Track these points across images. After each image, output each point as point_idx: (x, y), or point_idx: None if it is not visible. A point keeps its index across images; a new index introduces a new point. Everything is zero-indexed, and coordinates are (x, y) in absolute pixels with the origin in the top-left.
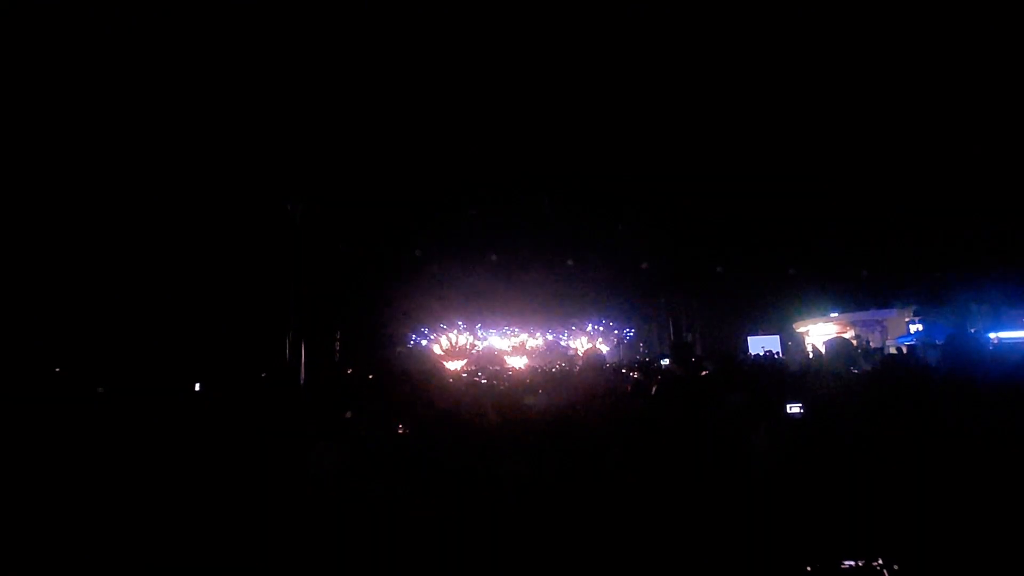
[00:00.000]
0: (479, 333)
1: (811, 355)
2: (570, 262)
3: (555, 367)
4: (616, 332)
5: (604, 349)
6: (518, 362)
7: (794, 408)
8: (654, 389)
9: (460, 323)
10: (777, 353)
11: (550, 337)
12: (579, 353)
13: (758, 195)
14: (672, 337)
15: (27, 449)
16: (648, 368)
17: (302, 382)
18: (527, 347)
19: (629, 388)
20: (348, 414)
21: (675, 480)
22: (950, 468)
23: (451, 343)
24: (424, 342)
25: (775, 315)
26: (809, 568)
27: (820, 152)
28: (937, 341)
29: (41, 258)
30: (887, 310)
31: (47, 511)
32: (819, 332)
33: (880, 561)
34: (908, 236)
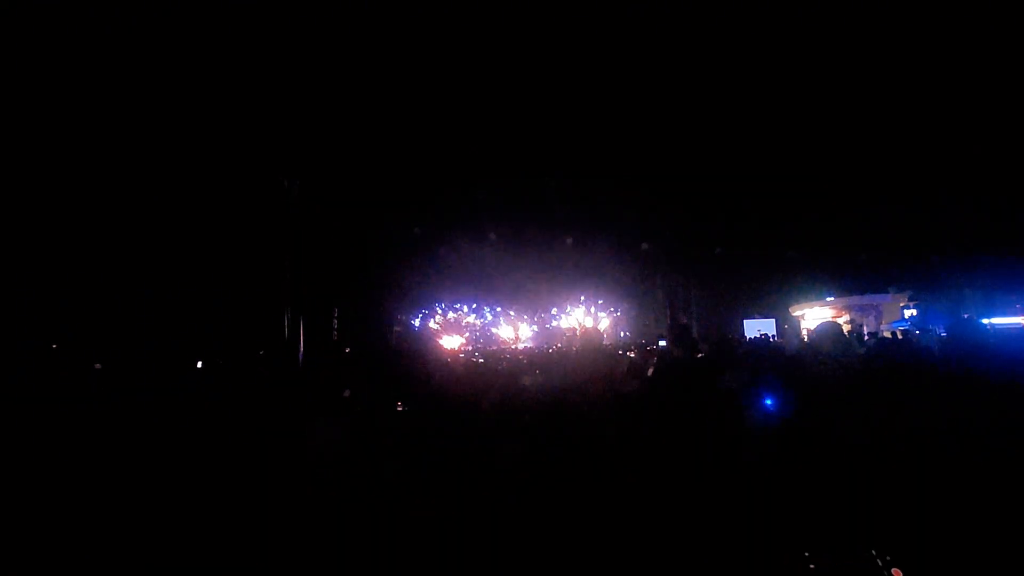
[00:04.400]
0: (477, 313)
1: (806, 339)
2: (569, 242)
3: (552, 348)
4: (613, 313)
5: (602, 328)
6: (515, 342)
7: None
8: (650, 371)
9: (458, 304)
10: (773, 336)
11: (548, 317)
12: (576, 334)
13: (757, 179)
14: (669, 319)
15: (25, 423)
16: (644, 349)
17: (300, 360)
18: (525, 328)
19: (625, 369)
20: (347, 392)
21: (671, 461)
22: (949, 455)
23: (449, 323)
24: (421, 321)
25: (771, 298)
26: (807, 554)
27: (819, 137)
28: (930, 326)
29: (36, 234)
30: (882, 295)
31: (48, 486)
32: (815, 316)
33: (874, 552)
34: (904, 222)
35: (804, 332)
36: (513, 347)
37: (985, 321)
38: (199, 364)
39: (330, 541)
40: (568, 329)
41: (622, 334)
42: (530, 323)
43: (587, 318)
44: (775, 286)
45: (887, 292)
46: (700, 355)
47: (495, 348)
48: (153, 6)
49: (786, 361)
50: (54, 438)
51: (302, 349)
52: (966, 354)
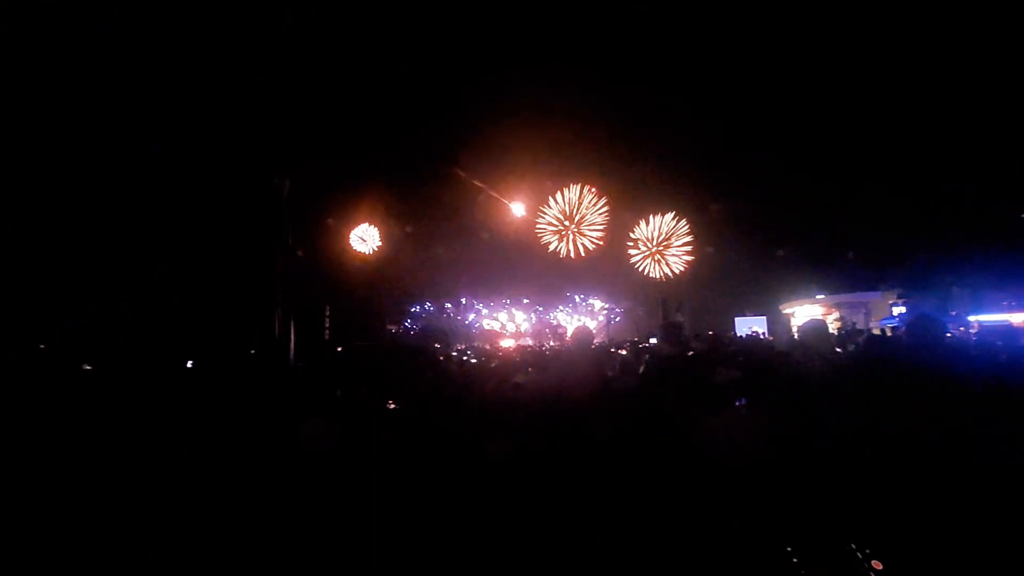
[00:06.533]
0: (470, 310)
1: (796, 336)
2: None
3: (545, 346)
4: (605, 311)
5: (593, 326)
6: (508, 340)
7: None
8: (642, 368)
9: (451, 302)
10: (763, 334)
11: (540, 315)
12: (568, 332)
13: (748, 177)
14: (661, 316)
15: (13, 424)
16: (636, 347)
17: (291, 359)
18: (518, 326)
19: (618, 366)
20: (339, 391)
21: (663, 458)
22: (929, 452)
23: (442, 322)
24: (414, 321)
25: (762, 297)
26: (790, 549)
27: (809, 137)
28: None
29: (22, 233)
30: (872, 293)
31: (38, 491)
32: (805, 314)
33: (855, 546)
34: (893, 220)
35: (795, 329)
36: (506, 345)
37: (972, 319)
38: (189, 364)
39: (322, 540)
40: (561, 327)
41: (610, 329)
42: (523, 322)
43: (579, 316)
44: (766, 285)
45: (876, 290)
46: (691, 352)
47: (488, 347)
48: (145, 8)
49: (775, 358)
50: (43, 439)
51: (293, 348)
52: (922, 349)
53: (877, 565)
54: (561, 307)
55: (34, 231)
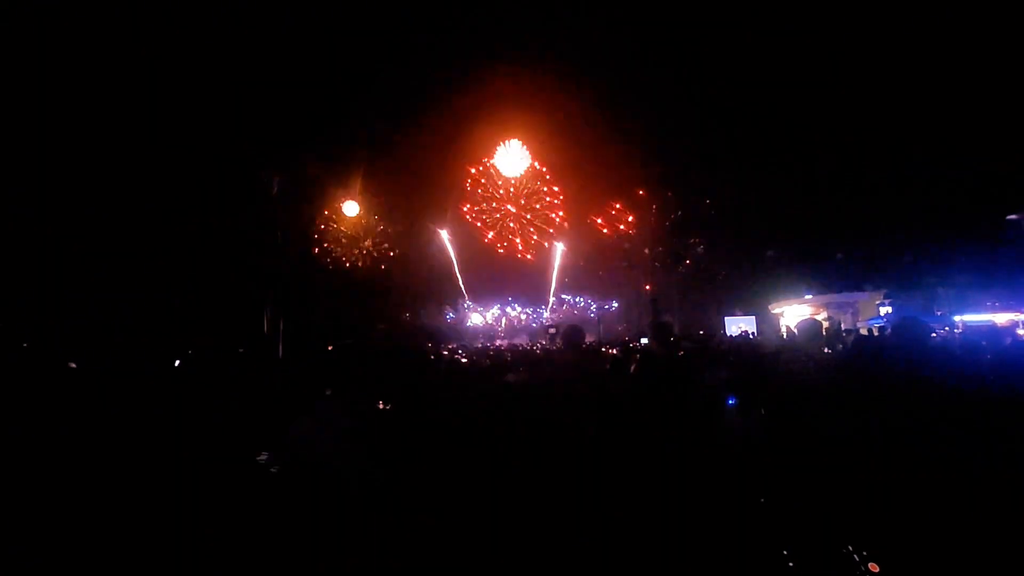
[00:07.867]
0: (463, 309)
1: (784, 335)
2: (556, 241)
3: (537, 345)
4: (596, 310)
5: (584, 326)
6: (499, 339)
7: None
8: (633, 367)
9: (446, 303)
10: (753, 333)
11: (534, 314)
12: (559, 331)
13: (737, 178)
14: (651, 316)
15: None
16: (627, 346)
17: (280, 357)
18: (510, 325)
19: (608, 366)
20: (328, 391)
21: (653, 457)
22: (919, 451)
23: (433, 320)
24: (406, 319)
25: (752, 296)
26: (786, 552)
27: (798, 138)
28: None
29: (9, 230)
30: (859, 293)
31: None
32: (793, 313)
33: (851, 548)
34: (880, 221)
35: (783, 329)
36: (498, 344)
37: (957, 319)
38: (177, 363)
39: (313, 542)
40: (553, 327)
41: (601, 329)
42: (515, 320)
43: (571, 315)
44: (755, 285)
45: (864, 290)
46: (681, 352)
47: (479, 346)
48: (141, 11)
49: (765, 358)
50: (26, 440)
51: (282, 345)
52: (908, 350)
53: (874, 567)
54: (555, 304)
55: (34, 231)
